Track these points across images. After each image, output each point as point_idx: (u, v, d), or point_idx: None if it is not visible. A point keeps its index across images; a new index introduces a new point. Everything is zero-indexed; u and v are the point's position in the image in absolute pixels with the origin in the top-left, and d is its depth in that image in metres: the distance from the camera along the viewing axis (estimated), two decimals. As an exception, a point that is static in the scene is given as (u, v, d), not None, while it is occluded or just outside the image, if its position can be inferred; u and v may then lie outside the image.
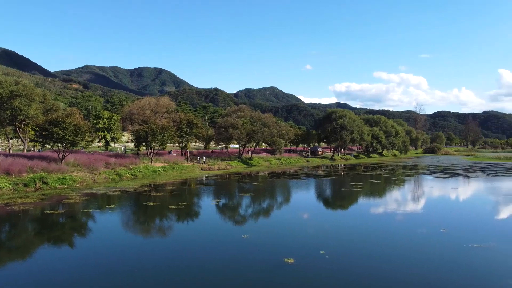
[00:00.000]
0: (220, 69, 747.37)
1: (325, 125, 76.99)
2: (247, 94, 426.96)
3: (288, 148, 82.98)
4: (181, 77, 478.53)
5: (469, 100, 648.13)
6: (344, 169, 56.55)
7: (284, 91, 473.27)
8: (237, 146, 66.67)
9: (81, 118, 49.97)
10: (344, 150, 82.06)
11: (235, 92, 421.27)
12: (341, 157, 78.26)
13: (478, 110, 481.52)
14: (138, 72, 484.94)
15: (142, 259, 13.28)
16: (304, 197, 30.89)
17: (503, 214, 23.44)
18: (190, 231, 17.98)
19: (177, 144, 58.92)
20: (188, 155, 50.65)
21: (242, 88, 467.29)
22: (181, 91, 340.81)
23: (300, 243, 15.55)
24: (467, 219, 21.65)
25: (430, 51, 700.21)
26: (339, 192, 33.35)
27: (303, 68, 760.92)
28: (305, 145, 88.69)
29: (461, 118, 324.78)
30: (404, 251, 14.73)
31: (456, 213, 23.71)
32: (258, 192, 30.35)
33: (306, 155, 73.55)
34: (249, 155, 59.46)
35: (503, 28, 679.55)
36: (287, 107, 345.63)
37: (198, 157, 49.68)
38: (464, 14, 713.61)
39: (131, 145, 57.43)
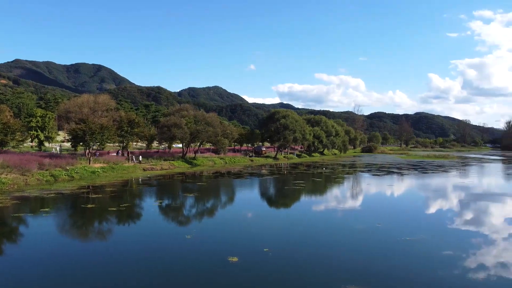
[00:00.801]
0: (163, 67, 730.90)
1: (268, 125, 78.10)
2: (191, 93, 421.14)
3: (233, 147, 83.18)
4: (122, 75, 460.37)
5: (402, 101, 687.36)
6: (287, 168, 57.79)
7: (229, 90, 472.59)
8: (180, 145, 65.72)
9: (10, 116, 46.78)
10: (287, 149, 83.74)
11: (178, 91, 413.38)
12: (284, 156, 79.82)
13: (411, 111, 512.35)
14: (75, 68, 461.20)
15: (80, 264, 12.79)
16: (248, 196, 31.22)
17: (432, 208, 25.22)
18: (131, 234, 17.55)
19: (117, 144, 56.94)
20: (130, 155, 49.12)
21: (186, 87, 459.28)
22: (121, 88, 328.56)
23: (244, 241, 15.76)
24: (401, 214, 23.07)
25: (367, 54, 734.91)
26: (282, 191, 34.09)
27: (247, 68, 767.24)
28: (249, 145, 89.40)
29: (395, 118, 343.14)
30: (343, 245, 15.43)
31: (390, 208, 25.20)
32: (202, 192, 30.22)
33: (250, 154, 74.21)
34: (193, 155, 58.91)
35: (432, 36, 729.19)
36: (231, 106, 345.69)
37: (134, 157, 48.08)
38: (398, 21, 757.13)
39: (68, 145, 54.61)
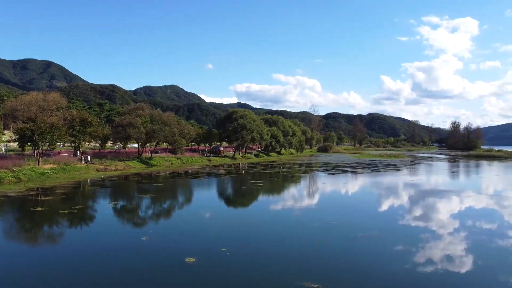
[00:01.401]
0: (118, 65, 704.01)
1: (226, 124, 77.97)
2: (147, 92, 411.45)
3: (190, 147, 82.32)
4: (74, 72, 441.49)
5: (356, 102, 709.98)
6: (245, 167, 57.95)
7: (186, 89, 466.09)
8: (136, 145, 64.19)
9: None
10: (245, 149, 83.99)
11: (134, 89, 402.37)
12: (242, 156, 79.99)
13: (364, 112, 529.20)
14: (23, 64, 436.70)
15: (29, 270, 12.19)
16: (205, 196, 31.00)
17: (384, 206, 26.20)
18: (84, 237, 16.92)
19: (68, 144, 54.68)
20: (82, 155, 47.30)
21: (141, 85, 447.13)
22: (73, 86, 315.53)
23: (202, 242, 15.65)
24: (354, 211, 23.79)
25: (323, 56, 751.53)
26: (239, 190, 34.15)
27: (205, 67, 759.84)
28: (207, 145, 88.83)
29: (350, 119, 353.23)
30: (300, 243, 15.70)
31: (345, 206, 25.93)
32: (159, 193, 29.69)
33: (208, 154, 73.74)
34: (149, 155, 57.70)
35: (384, 39, 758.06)
36: (188, 106, 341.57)
37: (82, 156, 46.22)
38: (352, 25, 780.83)
39: (14, 145, 51.76)
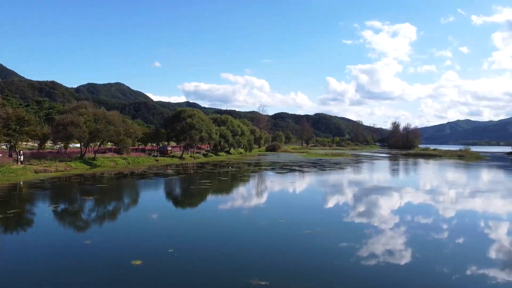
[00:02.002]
0: (58, 60, 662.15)
1: (174, 124, 76.64)
2: (91, 90, 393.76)
3: (136, 147, 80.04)
4: (9, 67, 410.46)
5: (303, 103, 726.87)
6: (193, 167, 57.32)
7: (132, 88, 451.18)
8: (78, 145, 61.38)
9: None
10: (193, 149, 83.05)
11: (76, 86, 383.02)
12: (190, 156, 79.01)
13: (311, 112, 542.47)
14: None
15: (-43, 280, 11.27)
16: (152, 197, 30.31)
17: (330, 203, 27.02)
18: (21, 242, 15.94)
19: (3, 145, 51.18)
20: (18, 156, 44.39)
21: (84, 82, 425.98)
22: (8, 82, 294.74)
23: (149, 244, 15.29)
24: (301, 209, 24.33)
25: (271, 57, 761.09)
26: (188, 190, 33.75)
27: (152, 65, 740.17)
28: (154, 144, 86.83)
29: (297, 119, 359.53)
30: (248, 242, 15.80)
31: (292, 204, 26.44)
32: (103, 194, 28.61)
33: (155, 154, 72.08)
34: (93, 155, 55.40)
35: (329, 42, 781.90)
36: (134, 104, 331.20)
37: (19, 157, 43.30)
38: (299, 27, 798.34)
39: None
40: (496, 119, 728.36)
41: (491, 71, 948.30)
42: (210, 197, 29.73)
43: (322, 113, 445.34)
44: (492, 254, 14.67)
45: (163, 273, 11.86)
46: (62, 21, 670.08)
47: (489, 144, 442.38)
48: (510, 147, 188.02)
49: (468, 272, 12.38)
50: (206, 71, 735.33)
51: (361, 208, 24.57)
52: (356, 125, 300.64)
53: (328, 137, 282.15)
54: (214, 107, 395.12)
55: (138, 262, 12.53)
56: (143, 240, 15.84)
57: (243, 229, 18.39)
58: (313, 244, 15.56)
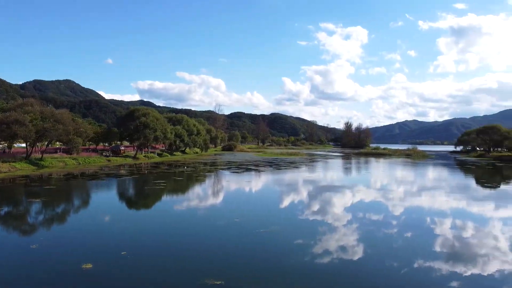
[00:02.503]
0: (2, 55, 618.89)
1: (128, 123, 74.64)
2: (37, 87, 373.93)
3: (87, 147, 77.16)
4: None
5: (259, 102, 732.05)
6: (147, 167, 56.06)
7: (83, 85, 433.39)
8: (24, 145, 58.21)
9: None
10: (147, 148, 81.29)
11: (21, 83, 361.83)
12: (144, 156, 77.22)
13: (267, 112, 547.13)
14: None
15: None
16: (104, 198, 29.31)
17: (285, 202, 27.35)
18: (-41, 249, 14.87)
19: None
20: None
21: (30, 79, 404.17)
22: None
23: (100, 246, 14.77)
24: (257, 208, 24.45)
25: (227, 56, 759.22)
26: (142, 191, 32.96)
27: (104, 62, 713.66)
28: (106, 144, 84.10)
29: (253, 118, 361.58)
30: (204, 242, 15.63)
31: (248, 203, 26.52)
32: (51, 196, 27.31)
33: (107, 154, 69.82)
34: (40, 156, 52.74)
35: (285, 42, 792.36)
36: (85, 102, 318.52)
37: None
38: (255, 26, 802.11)
39: None
40: (440, 119, 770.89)
41: (436, 74, 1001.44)
42: (165, 198, 29.21)
43: (278, 113, 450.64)
44: (437, 247, 15.48)
45: (115, 276, 11.51)
46: (6, 14, 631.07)
47: (434, 143, 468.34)
48: (453, 146, 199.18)
49: (416, 265, 12.97)
50: (161, 70, 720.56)
51: (316, 206, 25.09)
52: (311, 125, 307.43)
53: (284, 137, 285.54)
54: (169, 106, 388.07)
55: (89, 265, 12.07)
56: (95, 243, 15.28)
57: (199, 229, 18.21)
58: (268, 242, 15.69)
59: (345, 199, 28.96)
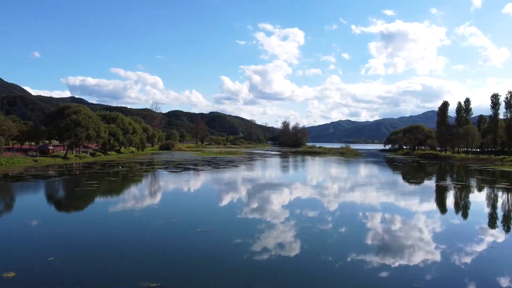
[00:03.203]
0: None
1: (57, 120, 70.42)
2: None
3: (11, 146, 71.65)
4: None
5: (198, 101, 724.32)
6: (79, 168, 53.22)
7: (6, 80, 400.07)
8: None
9: None
10: (79, 148, 77.22)
11: None
12: (76, 156, 73.21)
13: (206, 110, 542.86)
14: None
15: None
16: (31, 201, 27.30)
17: (224, 201, 27.29)
18: None
19: None
20: None
21: None
22: None
23: (25, 253, 13.73)
24: (195, 207, 24.17)
25: (165, 53, 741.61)
26: (73, 193, 31.19)
27: (30, 55, 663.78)
28: (33, 143, 78.68)
29: (192, 117, 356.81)
30: (139, 244, 15.10)
31: (186, 203, 26.14)
32: (-32, 200, 24.96)
33: (34, 154, 65.31)
34: (-45, 156, 48.08)
35: (224, 41, 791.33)
36: (9, 98, 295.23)
37: None
38: (194, 24, 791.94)
39: None
40: (371, 119, 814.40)
41: (368, 76, 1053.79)
42: (98, 199, 27.88)
43: (217, 112, 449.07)
44: (368, 241, 16.27)
45: (41, 284, 10.75)
46: None
47: (366, 142, 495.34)
48: (383, 144, 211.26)
49: (349, 259, 13.52)
50: (94, 65, 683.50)
51: (254, 204, 25.30)
52: (250, 124, 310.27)
53: (223, 136, 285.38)
54: (103, 103, 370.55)
55: (11, 274, 11.16)
56: (19, 250, 14.18)
57: (134, 231, 17.56)
58: (206, 242, 15.52)
59: (283, 196, 29.52)
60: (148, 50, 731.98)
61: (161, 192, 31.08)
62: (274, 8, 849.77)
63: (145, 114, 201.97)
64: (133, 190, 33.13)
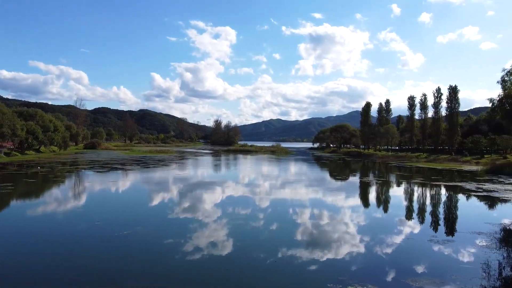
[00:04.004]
0: None
1: (-36, 117, 63.79)
2: None
3: None
4: None
5: (127, 98, 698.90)
6: (-9, 169, 48.65)
7: None
8: None
9: None
10: (-9, 147, 70.66)
11: None
12: (-13, 156, 66.92)
13: (135, 108, 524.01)
14: None
15: None
16: None
17: (154, 201, 26.45)
18: None
19: None
20: None
21: None
22: None
23: None
24: (122, 209, 23.13)
25: (90, 46, 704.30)
26: (-16, 196, 28.39)
27: None
28: None
29: (120, 115, 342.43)
30: (58, 248, 14.10)
31: (112, 205, 24.90)
32: None
33: None
34: None
35: (154, 36, 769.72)
36: None
37: None
38: (122, 17, 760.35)
39: None
40: (301, 119, 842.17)
41: (297, 77, 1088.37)
42: (14, 203, 25.62)
43: (146, 110, 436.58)
44: (298, 236, 16.72)
45: None
46: None
47: (296, 140, 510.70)
48: (311, 143, 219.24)
49: (280, 255, 13.75)
50: (9, 57, 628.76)
51: (186, 204, 24.86)
52: (181, 122, 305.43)
53: (153, 134, 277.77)
54: (20, 99, 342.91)
55: None
56: None
57: (53, 236, 16.29)
58: (133, 245, 14.85)
59: (215, 195, 29.37)
60: (71, 43, 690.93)
61: (85, 194, 29.37)
62: (206, 5, 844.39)
63: (69, 111, 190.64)
64: (54, 192, 30.97)
